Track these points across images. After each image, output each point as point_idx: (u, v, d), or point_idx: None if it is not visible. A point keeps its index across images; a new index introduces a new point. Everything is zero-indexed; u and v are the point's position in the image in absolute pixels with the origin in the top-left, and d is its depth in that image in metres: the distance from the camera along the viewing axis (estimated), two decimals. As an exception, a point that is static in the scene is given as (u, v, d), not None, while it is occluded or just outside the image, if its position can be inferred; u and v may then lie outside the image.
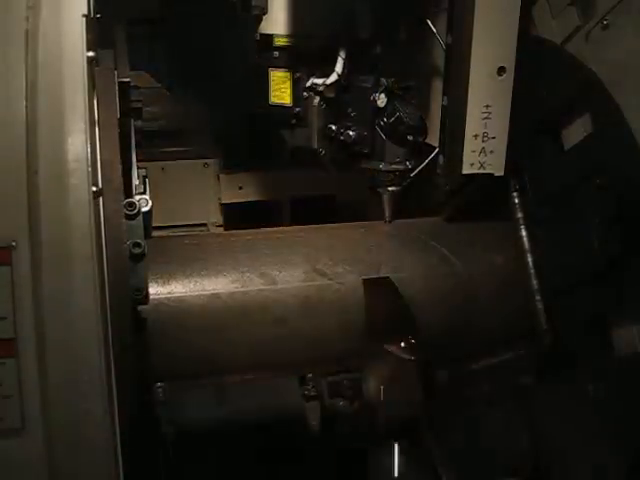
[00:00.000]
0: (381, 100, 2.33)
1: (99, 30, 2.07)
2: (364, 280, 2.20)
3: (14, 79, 1.43)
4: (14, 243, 1.40)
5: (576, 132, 2.12)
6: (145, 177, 2.12)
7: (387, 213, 2.44)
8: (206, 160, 3.87)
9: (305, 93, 2.50)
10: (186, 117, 3.79)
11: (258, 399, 3.57)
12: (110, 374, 1.54)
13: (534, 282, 2.31)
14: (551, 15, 2.14)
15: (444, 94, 2.30)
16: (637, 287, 1.95)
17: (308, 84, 2.47)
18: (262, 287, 2.13)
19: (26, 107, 1.42)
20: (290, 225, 3.21)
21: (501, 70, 2.13)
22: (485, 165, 2.22)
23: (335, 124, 2.47)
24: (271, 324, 2.14)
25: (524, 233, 2.36)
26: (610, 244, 1.98)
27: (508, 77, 2.14)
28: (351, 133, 2.41)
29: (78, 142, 1.46)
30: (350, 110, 2.43)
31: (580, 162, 2.09)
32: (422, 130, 2.40)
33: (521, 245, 2.35)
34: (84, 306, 1.44)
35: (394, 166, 2.41)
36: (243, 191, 3.79)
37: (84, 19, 1.50)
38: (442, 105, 2.32)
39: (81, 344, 1.45)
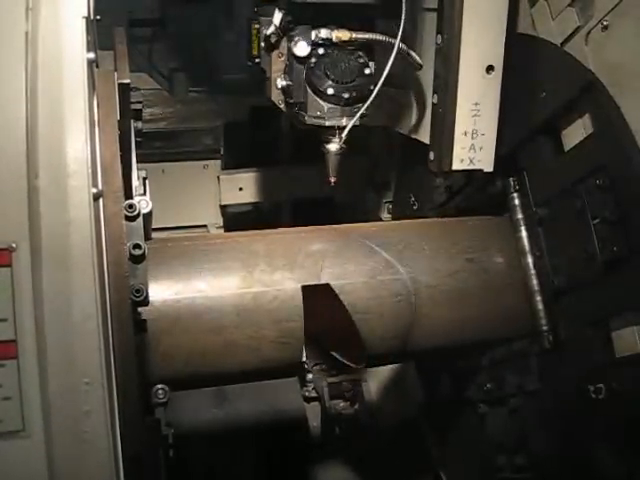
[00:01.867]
0: (299, 48, 2.22)
1: (100, 32, 2.07)
2: (303, 287, 2.12)
3: (14, 81, 1.43)
4: (14, 245, 1.40)
5: (576, 133, 2.12)
6: (145, 179, 2.12)
7: (328, 172, 2.36)
8: (206, 161, 3.87)
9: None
10: (186, 118, 3.80)
11: (258, 400, 3.58)
12: (111, 376, 1.54)
13: (534, 282, 2.31)
14: (551, 16, 2.14)
15: (434, 92, 2.32)
16: (638, 287, 1.95)
17: (262, 35, 2.36)
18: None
19: (26, 109, 1.42)
20: (291, 226, 3.22)
21: (489, 69, 2.18)
22: (474, 161, 2.26)
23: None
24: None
25: (524, 234, 2.36)
26: (610, 245, 1.98)
27: (496, 75, 2.20)
28: (280, 83, 2.35)
29: (78, 144, 1.45)
30: (285, 59, 2.36)
31: (580, 162, 2.09)
32: (354, 88, 2.25)
33: (521, 246, 2.36)
34: (84, 307, 1.44)
35: (316, 120, 2.30)
36: (243, 192, 3.79)
37: (84, 21, 1.50)
38: (432, 103, 2.34)
39: (81, 346, 1.44)
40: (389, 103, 2.65)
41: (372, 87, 2.26)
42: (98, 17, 1.93)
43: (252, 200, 3.84)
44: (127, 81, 1.89)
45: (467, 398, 2.66)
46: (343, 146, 2.34)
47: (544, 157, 2.26)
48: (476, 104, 2.21)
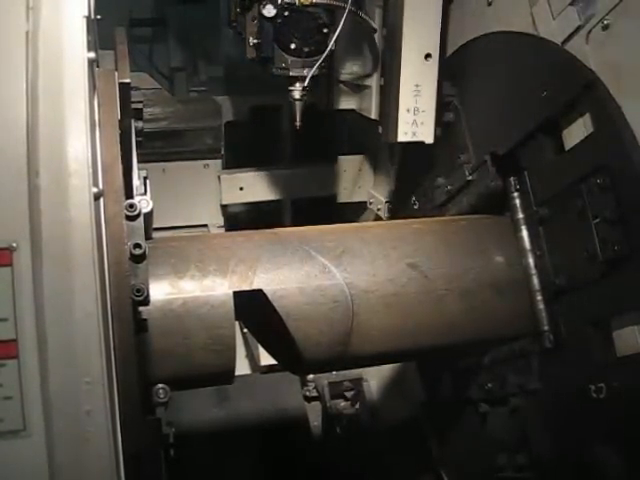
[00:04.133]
0: (267, 10, 2.59)
1: (100, 32, 2.07)
2: (235, 293, 2.06)
3: (15, 80, 1.43)
4: (15, 244, 1.40)
5: (577, 132, 2.12)
6: (145, 178, 2.11)
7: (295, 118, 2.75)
8: (207, 161, 3.87)
9: None
10: (187, 118, 3.80)
11: (259, 400, 3.58)
12: (111, 375, 1.54)
13: (535, 282, 2.31)
14: (551, 15, 2.14)
15: (381, 76, 2.78)
16: (639, 287, 1.95)
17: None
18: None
19: (27, 108, 1.42)
20: (292, 226, 3.22)
21: (428, 56, 2.55)
22: (417, 134, 2.59)
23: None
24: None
25: (525, 233, 2.35)
26: (611, 244, 1.98)
27: (434, 61, 2.56)
28: (252, 41, 2.70)
29: (78, 143, 1.45)
30: (255, 20, 2.71)
31: (581, 162, 2.08)
32: (313, 44, 2.65)
33: (522, 245, 2.35)
34: (85, 307, 1.44)
35: (282, 71, 2.69)
36: (244, 192, 3.79)
37: (84, 20, 1.50)
38: (380, 85, 2.80)
39: (82, 345, 1.44)
40: (356, 90, 3.17)
41: (329, 43, 2.68)
42: (99, 17, 1.93)
43: (253, 200, 3.84)
44: (127, 81, 1.88)
45: (468, 397, 2.66)
46: (304, 93, 2.73)
47: (545, 156, 2.25)
48: (417, 85, 2.56)
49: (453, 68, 2.63)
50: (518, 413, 2.44)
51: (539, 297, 2.30)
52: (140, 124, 2.29)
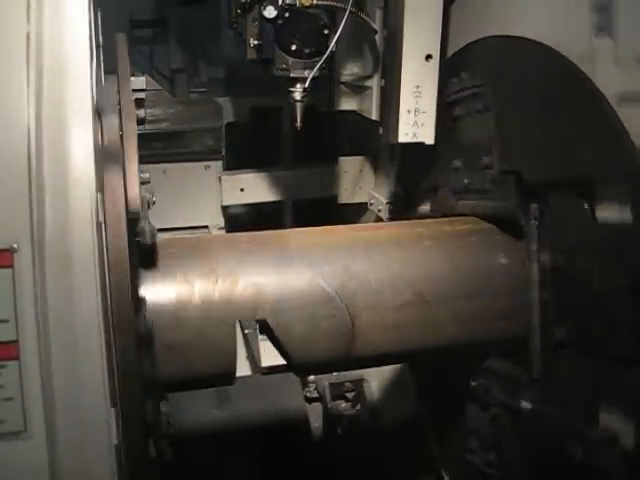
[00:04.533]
0: (267, 12, 2.60)
1: (101, 32, 2.07)
2: (241, 322, 2.04)
3: (16, 80, 1.43)
4: (16, 245, 1.40)
5: (610, 209, 1.88)
6: (149, 202, 2.05)
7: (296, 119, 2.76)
8: (207, 162, 3.87)
9: None
10: (188, 119, 3.80)
11: (260, 401, 3.58)
12: (113, 376, 1.55)
13: (536, 321, 2.19)
14: (614, 59, 1.76)
15: (382, 77, 2.85)
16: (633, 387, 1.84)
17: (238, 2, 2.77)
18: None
19: (28, 108, 1.42)
20: (292, 227, 3.22)
21: (428, 57, 2.57)
22: (418, 135, 2.60)
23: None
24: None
25: (536, 267, 2.20)
26: (620, 347, 1.86)
27: (434, 62, 2.58)
28: (253, 42, 2.72)
29: (81, 145, 1.46)
30: (256, 22, 2.74)
31: (605, 242, 1.89)
32: (314, 45, 2.65)
33: (533, 278, 2.21)
34: (86, 307, 1.45)
35: (282, 72, 2.68)
36: (244, 193, 3.79)
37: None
38: (380, 86, 2.89)
39: (83, 346, 1.45)
40: (357, 91, 3.17)
41: (329, 44, 2.67)
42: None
43: (254, 201, 3.84)
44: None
45: (460, 392, 2.63)
46: (305, 94, 2.72)
47: (571, 206, 2.04)
48: (417, 86, 2.57)
49: (490, 54, 2.40)
50: (496, 422, 2.39)
51: (537, 336, 2.18)
52: (142, 112, 2.23)
